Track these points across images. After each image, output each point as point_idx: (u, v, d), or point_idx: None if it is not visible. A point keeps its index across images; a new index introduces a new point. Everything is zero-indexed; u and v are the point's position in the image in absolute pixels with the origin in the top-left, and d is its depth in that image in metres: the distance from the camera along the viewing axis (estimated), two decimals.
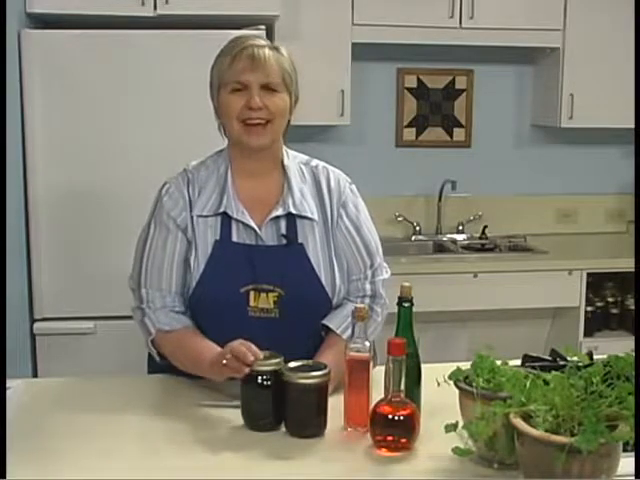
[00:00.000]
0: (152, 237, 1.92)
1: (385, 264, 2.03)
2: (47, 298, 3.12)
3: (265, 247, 1.89)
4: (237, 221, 1.89)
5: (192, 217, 1.89)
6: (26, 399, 1.83)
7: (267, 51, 1.84)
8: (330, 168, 2.01)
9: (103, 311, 3.09)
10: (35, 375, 3.08)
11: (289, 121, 1.93)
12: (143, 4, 3.13)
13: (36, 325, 3.12)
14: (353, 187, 2.02)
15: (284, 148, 1.98)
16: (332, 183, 1.97)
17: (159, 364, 1.97)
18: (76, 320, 3.11)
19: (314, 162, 2.01)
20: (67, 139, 3.06)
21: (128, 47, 3.05)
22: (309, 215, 1.91)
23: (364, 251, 1.97)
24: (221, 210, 1.89)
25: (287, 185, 1.93)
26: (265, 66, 1.82)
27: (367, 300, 1.96)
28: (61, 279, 3.11)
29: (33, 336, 3.12)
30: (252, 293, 1.85)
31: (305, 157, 2.02)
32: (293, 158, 1.99)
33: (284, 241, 1.89)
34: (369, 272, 1.98)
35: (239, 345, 1.66)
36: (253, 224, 1.89)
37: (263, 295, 1.85)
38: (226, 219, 1.89)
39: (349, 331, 1.83)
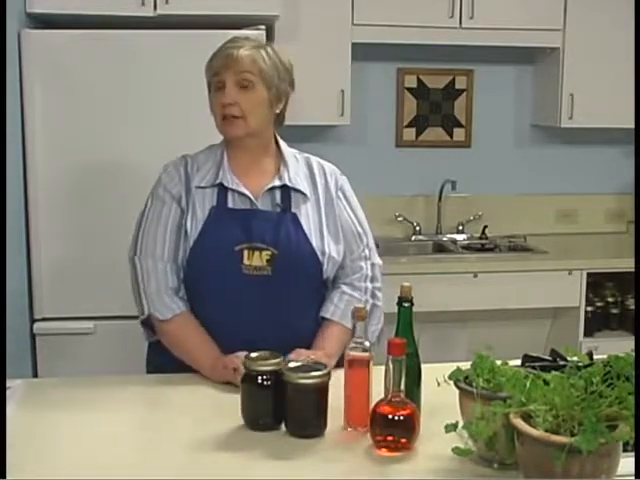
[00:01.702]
0: (149, 209, 2.05)
1: (376, 252, 2.18)
2: (47, 298, 3.12)
3: (260, 211, 2.01)
4: (233, 191, 2.01)
5: (189, 189, 2.02)
6: (26, 399, 1.83)
7: (242, 50, 1.98)
8: (322, 160, 2.16)
9: (103, 311, 3.09)
10: (35, 375, 3.08)
11: (278, 114, 2.07)
12: (143, 4, 3.12)
13: (36, 325, 3.12)
14: (344, 177, 2.16)
15: (281, 141, 2.11)
16: (326, 169, 2.13)
17: (158, 363, 2.05)
18: (76, 320, 3.11)
19: (306, 154, 2.16)
20: (67, 139, 3.06)
21: (128, 47, 3.05)
22: (302, 189, 2.04)
23: (360, 229, 2.12)
24: (217, 182, 2.02)
25: (284, 164, 2.06)
26: (237, 64, 1.96)
27: (369, 283, 2.09)
28: (61, 279, 3.11)
29: (33, 336, 3.11)
30: (246, 252, 1.97)
31: (298, 151, 2.16)
32: (288, 149, 2.13)
33: (278, 210, 2.02)
34: (367, 251, 2.12)
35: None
36: (248, 193, 2.01)
37: (257, 253, 1.97)
38: (222, 189, 2.02)
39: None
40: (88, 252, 3.10)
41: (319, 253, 2.01)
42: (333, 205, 2.08)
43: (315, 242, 2.01)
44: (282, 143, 2.11)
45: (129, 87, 3.07)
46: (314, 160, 2.14)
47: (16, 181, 3.01)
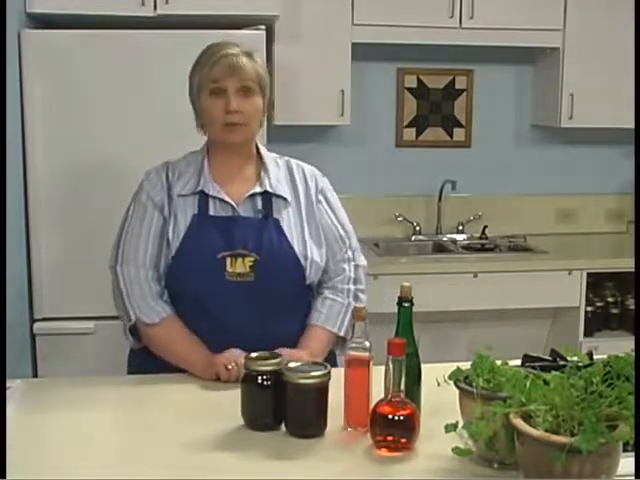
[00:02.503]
0: (130, 216, 2.06)
1: (360, 253, 2.19)
2: (47, 298, 3.12)
3: (242, 218, 2.02)
4: (214, 198, 2.02)
5: (171, 197, 2.02)
6: (26, 399, 1.82)
7: (242, 58, 1.99)
8: (302, 162, 2.17)
9: (103, 311, 3.06)
10: (35, 375, 3.08)
11: (261, 121, 2.09)
12: (143, 4, 3.12)
13: (36, 325, 3.12)
14: (325, 179, 2.17)
15: (261, 145, 2.13)
16: (306, 172, 2.14)
17: (139, 364, 2.07)
18: (76, 320, 3.11)
19: (287, 157, 2.17)
20: (67, 139, 3.06)
21: (128, 47, 3.05)
22: (283, 195, 2.05)
23: (342, 231, 2.12)
24: (198, 189, 2.02)
25: (264, 170, 2.07)
26: (241, 71, 1.98)
27: (351, 285, 2.10)
28: (61, 279, 3.11)
29: (33, 336, 3.12)
30: (229, 259, 1.97)
31: (278, 154, 2.17)
32: (268, 153, 2.14)
33: (260, 216, 2.03)
34: (350, 253, 2.13)
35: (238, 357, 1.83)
36: (229, 200, 2.02)
37: (239, 260, 1.97)
38: (203, 197, 2.03)
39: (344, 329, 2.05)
40: (88, 252, 3.10)
41: (301, 258, 2.02)
42: (314, 209, 2.09)
43: (297, 247, 2.02)
44: (262, 148, 2.13)
45: (129, 87, 3.07)
46: (294, 163, 2.14)
47: (16, 181, 3.01)
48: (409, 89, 4.09)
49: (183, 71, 2.99)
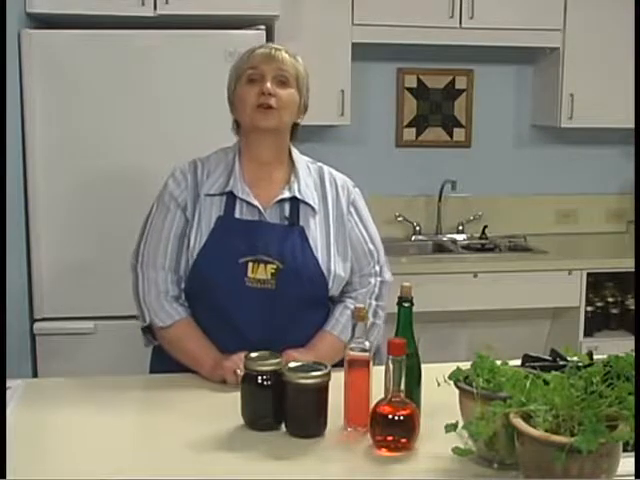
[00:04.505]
0: (153, 216, 2.04)
1: (387, 267, 2.13)
2: (47, 298, 3.12)
3: (267, 224, 1.98)
4: (242, 200, 1.99)
5: (197, 196, 1.99)
6: (26, 399, 1.82)
7: (282, 52, 2.00)
8: (334, 171, 2.13)
9: (103, 311, 3.09)
10: (35, 375, 3.08)
11: (297, 124, 2.07)
12: (143, 4, 3.12)
13: (36, 325, 3.12)
14: (357, 189, 2.13)
15: (294, 149, 2.09)
16: (338, 182, 2.09)
17: (162, 365, 2.04)
18: (76, 320, 3.11)
19: (320, 163, 2.13)
20: (67, 139, 3.06)
21: (128, 47, 3.05)
22: (311, 203, 2.01)
23: (371, 245, 2.09)
24: (227, 189, 1.99)
25: (294, 174, 2.04)
26: (279, 60, 1.98)
27: (374, 300, 2.06)
28: (61, 279, 3.11)
29: (33, 336, 3.11)
30: (250, 264, 1.94)
31: (311, 159, 2.14)
32: (301, 157, 2.11)
33: (286, 223, 1.99)
34: (377, 267, 2.09)
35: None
36: (257, 203, 1.99)
37: (261, 266, 1.94)
38: (231, 198, 1.99)
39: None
40: (88, 252, 3.10)
41: (324, 269, 1.98)
42: (344, 221, 2.05)
43: (321, 258, 1.98)
44: (295, 152, 2.08)
45: (129, 87, 3.07)
46: (326, 170, 2.10)
47: (16, 181, 3.01)
48: (409, 89, 4.09)
49: (183, 71, 3.02)
